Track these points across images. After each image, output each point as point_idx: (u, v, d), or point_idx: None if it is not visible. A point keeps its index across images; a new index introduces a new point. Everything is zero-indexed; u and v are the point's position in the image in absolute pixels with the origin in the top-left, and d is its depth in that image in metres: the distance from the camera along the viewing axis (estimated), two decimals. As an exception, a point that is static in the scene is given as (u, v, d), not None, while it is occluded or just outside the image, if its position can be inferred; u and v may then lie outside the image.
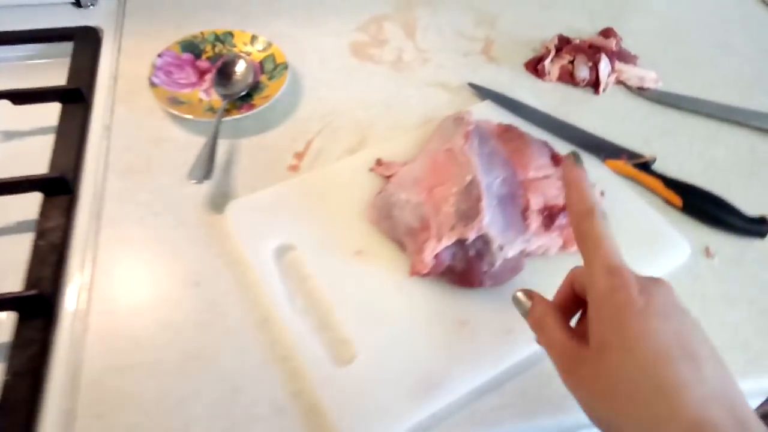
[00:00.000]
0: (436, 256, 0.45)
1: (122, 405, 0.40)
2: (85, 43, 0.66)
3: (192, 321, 0.44)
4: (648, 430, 0.26)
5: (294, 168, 0.55)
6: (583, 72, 0.64)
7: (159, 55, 0.61)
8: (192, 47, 0.63)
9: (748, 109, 0.64)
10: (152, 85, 0.58)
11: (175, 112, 0.56)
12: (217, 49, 0.64)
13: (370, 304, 0.45)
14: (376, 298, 0.46)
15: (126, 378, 0.41)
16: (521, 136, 0.54)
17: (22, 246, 0.47)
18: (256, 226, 0.49)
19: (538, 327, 0.33)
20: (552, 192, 0.50)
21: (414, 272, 0.46)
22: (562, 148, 0.58)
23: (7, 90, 0.58)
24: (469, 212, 0.46)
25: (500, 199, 0.47)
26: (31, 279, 0.45)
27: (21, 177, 0.50)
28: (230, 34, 0.64)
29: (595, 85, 0.64)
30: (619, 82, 0.66)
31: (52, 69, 0.64)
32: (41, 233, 0.48)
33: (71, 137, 0.56)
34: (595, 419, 0.29)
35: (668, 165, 0.58)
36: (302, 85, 0.63)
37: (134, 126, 0.57)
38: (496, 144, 0.52)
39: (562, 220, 0.49)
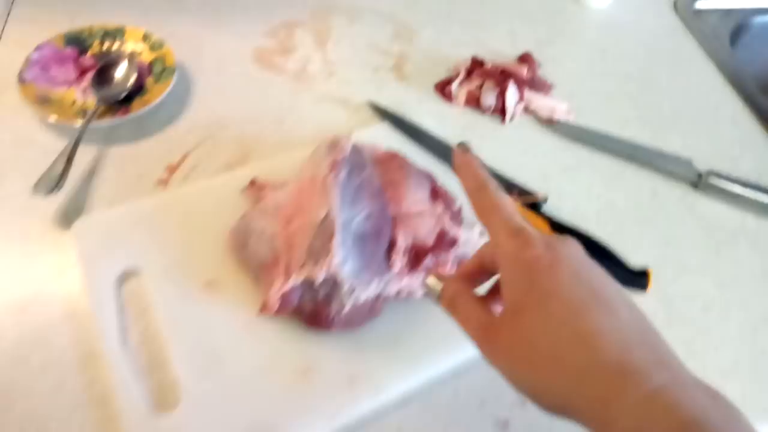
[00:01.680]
0: (284, 295, 0.43)
1: None
2: (-36, 27, 0.61)
3: (7, 352, 0.41)
4: (572, 383, 0.25)
5: (163, 182, 0.52)
6: (489, 99, 0.61)
7: (37, 48, 0.56)
8: (77, 41, 0.59)
9: (657, 149, 0.62)
10: (21, 81, 0.54)
11: (39, 113, 0.52)
12: (105, 46, 0.60)
13: (209, 342, 0.43)
14: (217, 336, 0.43)
15: None
16: (402, 167, 0.51)
17: None
18: (103, 247, 0.46)
19: (451, 307, 0.32)
20: (423, 230, 0.48)
21: (262, 311, 0.43)
22: (454, 184, 0.55)
23: None
24: (320, 250, 0.43)
25: (360, 237, 0.45)
26: None
27: None
28: (122, 30, 0.60)
29: (501, 113, 0.62)
30: (530, 111, 0.63)
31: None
32: None
33: (-76, 132, 0.52)
34: (523, 389, 0.28)
35: (563, 205, 0.56)
36: (192, 91, 0.60)
37: (-5, 125, 0.53)
38: (371, 174, 0.49)
39: (429, 261, 0.46)
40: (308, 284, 0.43)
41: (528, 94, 0.62)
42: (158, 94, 0.56)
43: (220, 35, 0.65)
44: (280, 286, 0.42)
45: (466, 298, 0.31)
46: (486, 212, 0.31)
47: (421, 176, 0.51)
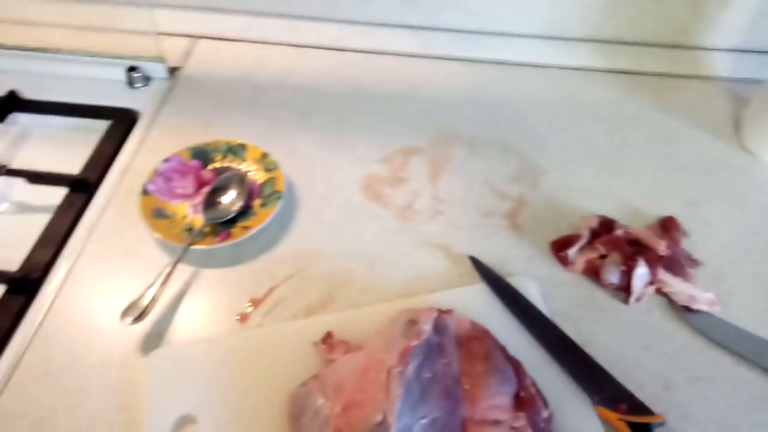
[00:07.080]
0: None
1: None
2: (119, 126, 0.68)
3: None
4: None
5: (244, 318, 0.52)
6: (611, 275, 0.52)
7: (165, 160, 0.60)
8: (202, 155, 0.62)
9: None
10: (144, 192, 0.58)
11: (150, 227, 0.54)
12: (227, 160, 0.63)
13: None
14: None
15: None
16: (488, 355, 0.45)
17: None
18: (168, 386, 0.46)
19: None
20: (496, 447, 0.41)
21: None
22: (550, 375, 0.47)
23: (25, 169, 0.61)
24: (369, 460, 0.38)
25: (418, 449, 0.39)
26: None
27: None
28: (243, 146, 0.63)
29: (626, 291, 0.53)
30: (663, 293, 0.53)
31: (89, 142, 0.66)
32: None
33: (58, 229, 0.57)
34: None
35: (685, 429, 0.45)
36: (295, 217, 0.59)
37: (115, 233, 0.57)
38: (448, 363, 0.44)
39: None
40: (349, 494, 0.38)
41: (663, 275, 0.53)
42: (260, 221, 0.56)
43: (336, 159, 0.65)
44: (319, 487, 0.39)
45: None
46: None
47: (507, 371, 0.44)
